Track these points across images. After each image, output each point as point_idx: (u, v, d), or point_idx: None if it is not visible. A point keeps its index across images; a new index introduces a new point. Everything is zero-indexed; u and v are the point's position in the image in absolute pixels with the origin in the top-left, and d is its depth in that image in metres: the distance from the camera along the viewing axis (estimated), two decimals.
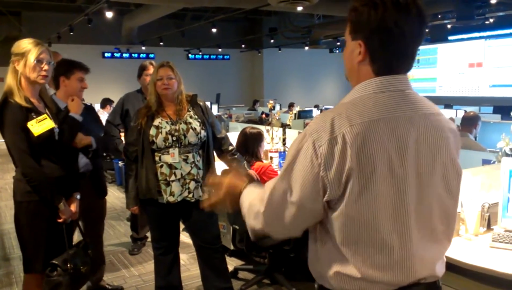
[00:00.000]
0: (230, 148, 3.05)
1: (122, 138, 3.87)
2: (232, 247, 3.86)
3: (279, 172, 3.65)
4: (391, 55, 1.17)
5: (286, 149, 4.27)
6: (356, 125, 1.10)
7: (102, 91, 11.00)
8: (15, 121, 2.23)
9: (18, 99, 2.25)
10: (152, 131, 2.71)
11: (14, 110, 2.24)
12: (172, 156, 2.71)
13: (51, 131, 2.33)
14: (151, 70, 3.78)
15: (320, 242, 1.22)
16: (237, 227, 3.35)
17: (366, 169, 1.09)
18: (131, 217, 4.37)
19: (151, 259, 3.95)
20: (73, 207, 2.45)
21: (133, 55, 15.33)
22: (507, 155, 2.62)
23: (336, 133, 1.10)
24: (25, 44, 2.30)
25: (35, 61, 2.27)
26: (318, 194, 1.12)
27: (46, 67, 2.31)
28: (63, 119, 2.58)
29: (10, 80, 2.30)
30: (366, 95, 1.17)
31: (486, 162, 3.06)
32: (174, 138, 2.72)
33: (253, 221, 1.27)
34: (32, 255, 2.38)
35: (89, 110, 3.12)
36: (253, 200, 1.28)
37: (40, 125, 2.28)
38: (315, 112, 9.71)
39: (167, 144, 2.71)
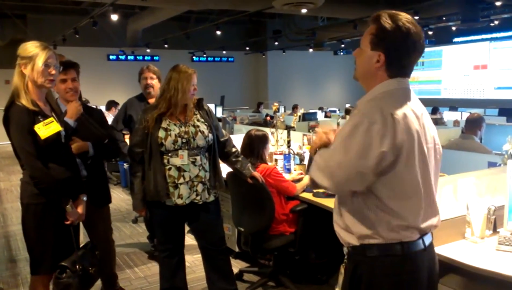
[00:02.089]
0: (234, 150, 3.07)
1: (127, 140, 3.87)
2: (237, 249, 3.87)
3: (283, 175, 3.64)
4: (404, 65, 1.56)
5: (291, 151, 4.28)
6: (399, 110, 1.48)
7: (107, 93, 11.06)
8: (22, 124, 2.25)
9: (25, 102, 2.27)
10: (161, 134, 2.72)
11: (21, 113, 2.26)
12: (182, 158, 2.72)
13: (57, 134, 2.35)
14: (146, 73, 3.82)
15: (365, 206, 1.54)
16: (242, 229, 3.36)
17: (410, 140, 1.48)
18: (149, 221, 4.30)
19: (156, 261, 3.97)
20: (80, 209, 2.47)
21: (138, 57, 15.38)
22: None
23: (385, 113, 1.46)
24: (33, 48, 2.31)
25: (43, 66, 2.28)
26: (369, 161, 1.45)
27: (53, 71, 2.33)
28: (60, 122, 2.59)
29: (17, 83, 2.31)
30: (392, 90, 1.55)
31: (492, 164, 3.05)
32: (184, 140, 2.74)
33: (313, 171, 1.61)
34: (39, 256, 2.40)
35: (92, 113, 3.07)
36: (317, 157, 1.63)
37: (47, 128, 2.29)
38: (320, 114, 9.71)
39: (176, 146, 2.72)
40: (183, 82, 2.76)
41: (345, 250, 1.67)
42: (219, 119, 6.83)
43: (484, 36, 13.86)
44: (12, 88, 2.32)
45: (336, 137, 1.62)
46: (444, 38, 13.89)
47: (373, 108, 1.49)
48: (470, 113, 4.43)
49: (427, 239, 1.60)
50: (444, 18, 11.30)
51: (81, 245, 2.60)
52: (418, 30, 1.52)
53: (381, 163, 1.46)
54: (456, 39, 14.74)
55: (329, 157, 1.56)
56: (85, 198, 2.54)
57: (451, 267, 2.00)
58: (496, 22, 11.66)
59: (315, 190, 3.29)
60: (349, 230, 1.61)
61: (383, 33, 1.51)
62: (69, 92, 2.85)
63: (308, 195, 3.28)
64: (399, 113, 1.47)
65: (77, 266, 2.39)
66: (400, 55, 1.53)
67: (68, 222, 2.39)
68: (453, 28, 12.74)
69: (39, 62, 2.28)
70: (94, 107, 3.31)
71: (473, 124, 4.07)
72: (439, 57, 15.28)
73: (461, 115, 8.04)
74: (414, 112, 1.53)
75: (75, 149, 2.73)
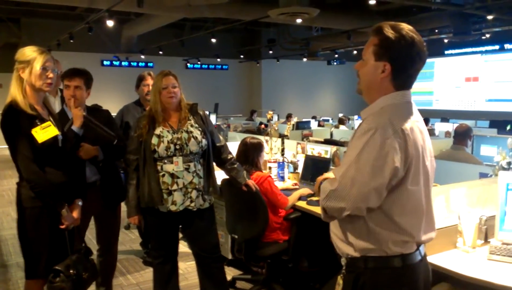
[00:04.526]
0: (230, 157, 3.08)
1: None
2: (230, 257, 3.87)
3: (276, 183, 3.66)
4: (410, 75, 1.55)
5: (285, 159, 4.30)
6: (406, 123, 1.48)
7: (100, 99, 11.00)
8: (19, 128, 2.26)
9: (23, 106, 2.28)
10: (154, 140, 2.73)
11: (19, 117, 2.27)
12: (176, 164, 2.73)
13: (55, 138, 2.36)
14: (149, 80, 3.80)
15: (371, 221, 1.52)
16: (235, 236, 3.37)
17: (418, 155, 1.49)
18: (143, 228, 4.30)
19: (148, 268, 3.96)
20: (75, 214, 2.47)
21: (132, 63, 15.38)
22: (503, 169, 2.66)
23: (397, 128, 1.45)
24: (30, 52, 2.34)
25: (41, 69, 2.30)
26: (384, 178, 1.44)
27: (51, 75, 2.35)
28: (67, 130, 2.61)
29: (15, 87, 2.33)
30: (399, 103, 1.54)
31: (483, 175, 3.09)
32: (177, 147, 2.75)
33: (324, 200, 1.55)
34: (34, 260, 2.39)
35: (99, 114, 3.05)
36: (325, 185, 1.57)
37: (44, 132, 2.30)
38: (313, 123, 9.76)
39: (169, 153, 2.73)
40: (155, 85, 2.81)
41: (343, 261, 1.66)
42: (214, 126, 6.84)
43: (475, 49, 14.06)
44: (10, 92, 2.34)
45: (347, 154, 1.56)
46: (436, 50, 14.06)
47: (384, 122, 1.46)
48: (459, 124, 4.47)
49: (423, 250, 1.63)
50: (436, 31, 11.47)
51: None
52: (421, 39, 1.52)
53: (393, 179, 1.46)
54: (448, 52, 14.92)
55: (340, 176, 1.50)
56: (80, 203, 2.54)
57: (443, 276, 2.03)
58: (488, 36, 11.85)
59: (308, 198, 3.31)
60: (349, 242, 1.59)
61: (388, 43, 1.50)
62: (70, 99, 2.84)
63: (302, 203, 3.30)
64: (408, 127, 1.47)
65: (71, 271, 2.39)
66: (405, 65, 1.52)
67: (63, 226, 2.38)
68: (445, 41, 12.92)
69: (37, 66, 2.30)
70: (100, 108, 3.30)
71: (462, 135, 4.12)
72: (431, 69, 15.47)
73: (453, 126, 8.12)
74: (418, 127, 1.53)
75: (84, 154, 2.77)
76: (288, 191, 3.56)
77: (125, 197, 3.08)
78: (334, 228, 1.67)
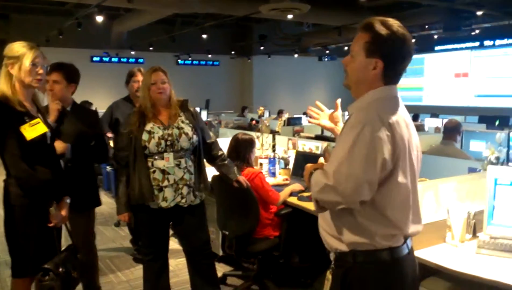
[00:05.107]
0: (220, 153, 3.07)
1: (111, 143, 3.84)
2: (221, 253, 3.87)
3: (267, 179, 3.67)
4: (399, 72, 1.58)
5: (277, 155, 4.31)
6: (393, 117, 1.50)
7: (90, 95, 10.92)
8: (8, 125, 2.23)
9: (12, 102, 2.25)
10: (145, 136, 2.72)
11: (7, 114, 2.24)
12: (167, 160, 2.72)
13: (43, 135, 2.33)
14: (139, 76, 3.77)
15: (359, 215, 1.53)
16: (226, 232, 3.37)
17: (404, 148, 1.51)
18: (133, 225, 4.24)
19: (139, 265, 3.94)
20: (64, 212, 2.44)
21: (122, 59, 15.24)
22: (492, 163, 2.68)
23: (385, 122, 1.47)
24: (19, 48, 2.31)
25: (30, 65, 2.27)
26: (376, 170, 1.45)
27: (40, 70, 2.32)
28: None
29: (3, 83, 2.29)
30: (384, 97, 1.57)
31: (472, 170, 3.12)
32: (168, 143, 2.73)
33: (318, 193, 1.56)
34: (22, 259, 2.37)
35: (81, 113, 3.02)
36: (318, 177, 1.57)
37: (33, 129, 2.28)
38: (304, 120, 9.77)
39: (159, 149, 2.72)
40: (144, 80, 2.82)
41: (331, 255, 1.67)
42: (205, 123, 6.81)
43: (465, 45, 14.13)
44: None
45: (336, 149, 1.57)
46: (426, 46, 14.12)
47: (372, 116, 1.48)
48: (448, 120, 4.50)
49: (410, 243, 1.64)
50: (426, 27, 11.51)
51: (63, 248, 2.58)
52: (410, 36, 1.55)
53: (383, 171, 1.47)
54: (438, 47, 15.00)
55: (333, 171, 1.50)
56: (68, 201, 2.52)
57: (432, 270, 2.04)
58: (478, 31, 11.91)
59: (299, 194, 3.32)
60: (338, 237, 1.60)
61: (380, 39, 1.51)
62: (49, 93, 2.84)
63: (293, 199, 3.31)
64: (395, 120, 1.49)
65: (60, 269, 2.37)
66: (397, 61, 1.55)
67: (51, 224, 2.36)
68: (435, 37, 12.97)
69: (27, 62, 2.27)
70: (88, 107, 3.26)
71: (452, 131, 4.15)
72: (421, 65, 15.54)
73: (442, 122, 8.18)
74: (404, 120, 1.55)
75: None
76: (279, 187, 3.56)
77: (97, 204, 3.08)
78: (323, 223, 1.67)
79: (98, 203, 3.14)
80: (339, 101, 1.94)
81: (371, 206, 1.52)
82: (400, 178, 1.51)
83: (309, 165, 1.70)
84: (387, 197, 1.52)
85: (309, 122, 2.01)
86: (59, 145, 2.72)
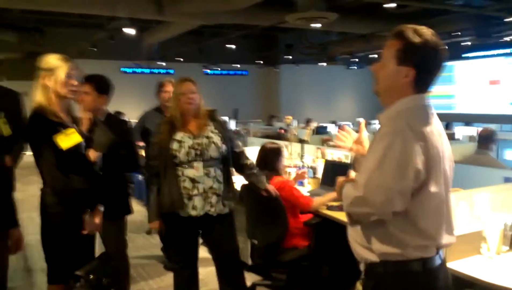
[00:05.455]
0: (249, 162, 3.09)
1: (142, 153, 3.92)
2: (250, 262, 3.86)
3: (296, 187, 3.65)
4: (430, 81, 1.56)
5: (306, 164, 4.29)
6: (425, 126, 1.48)
7: (121, 105, 11.18)
8: (44, 135, 2.31)
9: (48, 113, 2.33)
10: (175, 146, 2.76)
11: (43, 124, 2.32)
12: (197, 170, 2.76)
13: (78, 145, 2.40)
14: (168, 87, 3.85)
15: (393, 225, 1.51)
16: (255, 241, 3.37)
17: (438, 158, 1.49)
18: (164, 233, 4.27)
19: (169, 273, 3.97)
20: (97, 219, 2.50)
21: (153, 70, 15.57)
22: None
23: (417, 131, 1.45)
24: (54, 60, 2.39)
25: (65, 77, 2.35)
26: (408, 180, 1.43)
27: (75, 82, 2.40)
28: None
29: (39, 95, 2.38)
30: (416, 106, 1.54)
31: (508, 180, 3.03)
32: (198, 152, 2.77)
33: (349, 206, 1.55)
34: (57, 265, 2.43)
35: (113, 123, 3.06)
36: (348, 190, 1.56)
37: (68, 139, 2.35)
38: (332, 128, 9.71)
39: (189, 158, 2.76)
40: (174, 91, 2.87)
41: (362, 266, 1.65)
42: (234, 132, 6.85)
43: (496, 52, 13.79)
44: (35, 100, 2.39)
45: (366, 159, 1.55)
46: (456, 53, 13.83)
47: (402, 125, 1.46)
48: (483, 128, 4.39)
49: (442, 254, 1.61)
50: (459, 34, 11.29)
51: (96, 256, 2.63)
52: (443, 44, 1.53)
53: (416, 181, 1.45)
54: (467, 54, 14.68)
55: (364, 182, 1.48)
56: (102, 209, 2.57)
57: (466, 283, 1.99)
58: (509, 38, 11.60)
59: (329, 203, 3.29)
60: (369, 247, 1.58)
61: (412, 48, 1.49)
62: (80, 104, 2.92)
63: (322, 208, 3.28)
64: (427, 130, 1.48)
65: (91, 276, 2.41)
66: (430, 70, 1.53)
67: (85, 232, 2.42)
68: (466, 44, 12.70)
69: (62, 74, 2.35)
70: (119, 117, 3.32)
71: (486, 139, 4.05)
72: (450, 72, 15.23)
73: (477, 131, 7.98)
74: (437, 130, 1.53)
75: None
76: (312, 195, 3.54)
77: (129, 212, 3.13)
78: (353, 233, 1.65)
79: (130, 211, 3.20)
80: (363, 122, 1.91)
81: (403, 216, 1.49)
82: (433, 188, 1.49)
83: (340, 178, 1.69)
84: (420, 207, 1.49)
85: (336, 145, 2.02)
86: (91, 154, 2.79)
